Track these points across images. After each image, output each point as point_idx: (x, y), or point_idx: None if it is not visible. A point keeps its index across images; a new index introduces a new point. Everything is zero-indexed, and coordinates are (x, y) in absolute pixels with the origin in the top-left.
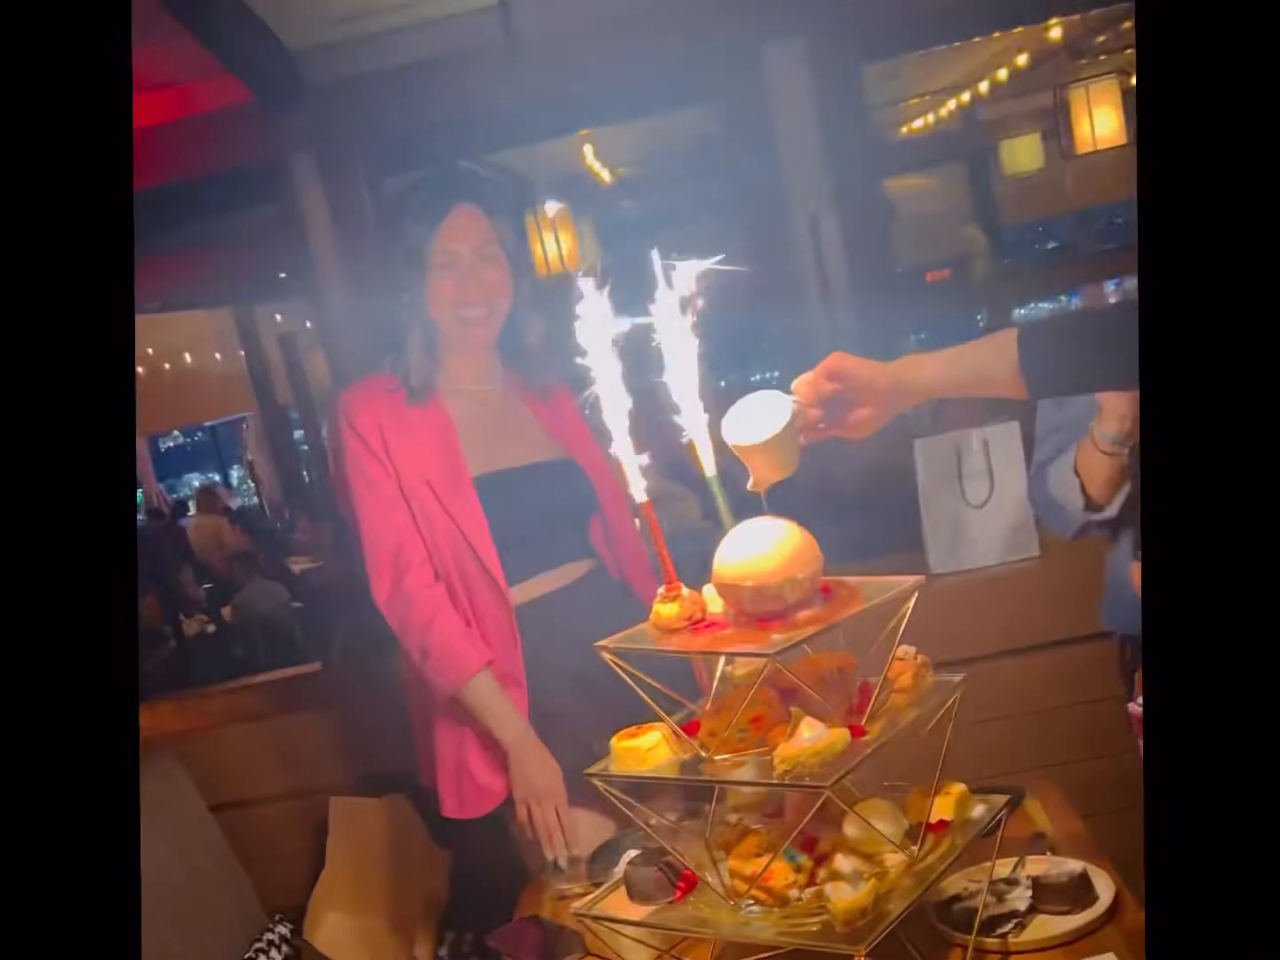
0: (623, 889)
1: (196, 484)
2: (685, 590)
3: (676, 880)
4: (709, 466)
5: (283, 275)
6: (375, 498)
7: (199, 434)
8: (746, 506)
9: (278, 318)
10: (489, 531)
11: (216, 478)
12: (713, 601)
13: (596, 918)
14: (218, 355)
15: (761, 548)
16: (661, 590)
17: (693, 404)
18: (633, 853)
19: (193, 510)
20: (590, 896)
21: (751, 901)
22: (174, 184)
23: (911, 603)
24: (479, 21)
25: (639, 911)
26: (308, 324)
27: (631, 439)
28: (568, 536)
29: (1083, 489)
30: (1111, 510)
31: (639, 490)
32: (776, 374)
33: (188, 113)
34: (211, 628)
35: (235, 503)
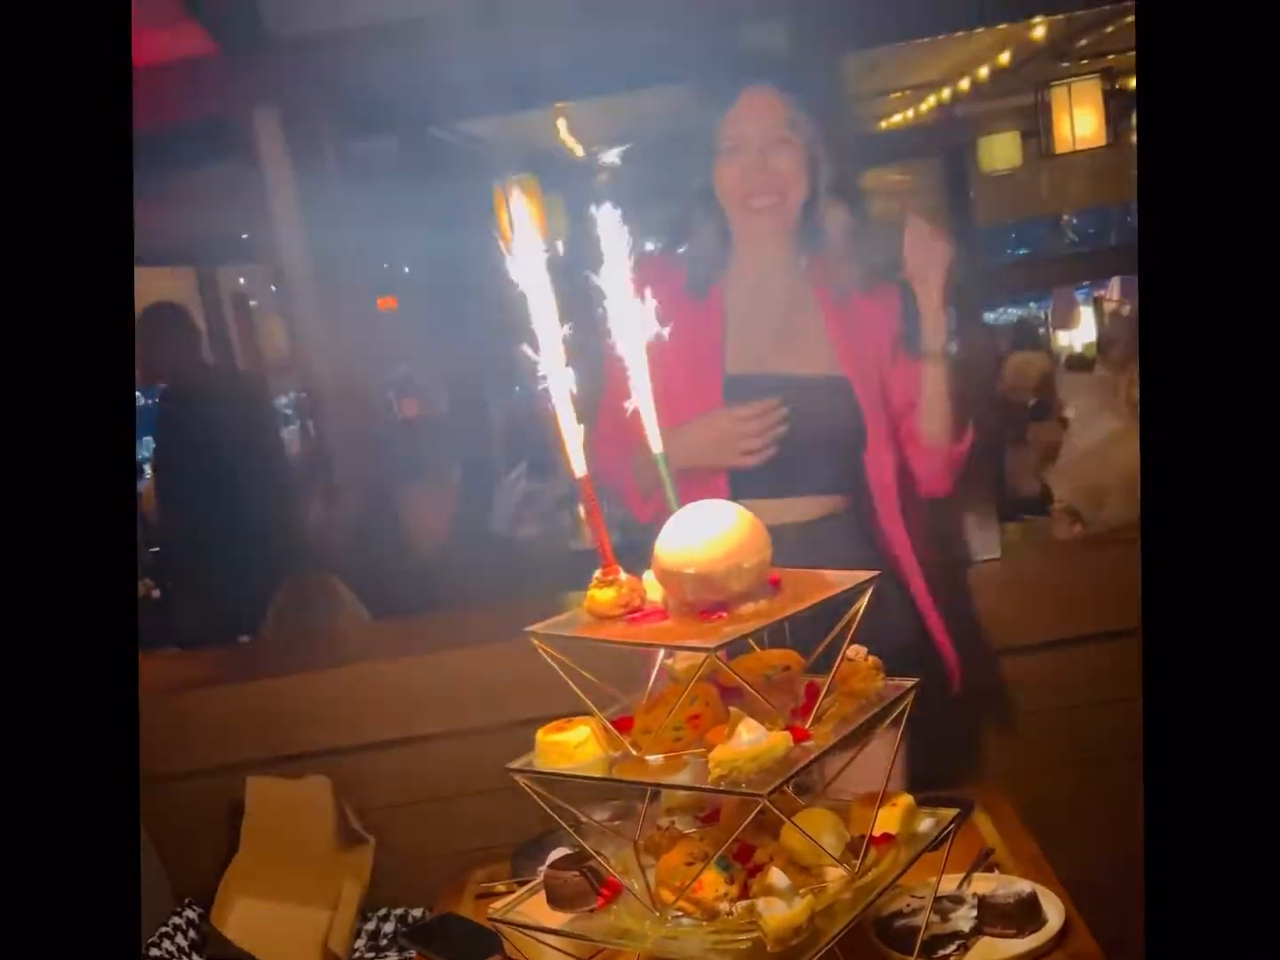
0: (544, 892)
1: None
2: (624, 575)
3: (599, 886)
4: (655, 443)
5: (244, 236)
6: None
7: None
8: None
9: (241, 280)
10: None
11: None
12: (653, 588)
13: (511, 923)
14: None
15: (707, 533)
16: (598, 574)
17: (640, 376)
18: (559, 852)
19: None
20: (508, 899)
21: (679, 913)
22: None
23: (865, 600)
24: None
25: (558, 918)
26: (272, 288)
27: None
28: (815, 465)
29: None
30: None
31: (578, 464)
32: None
33: (147, 61)
34: (157, 593)
35: None
